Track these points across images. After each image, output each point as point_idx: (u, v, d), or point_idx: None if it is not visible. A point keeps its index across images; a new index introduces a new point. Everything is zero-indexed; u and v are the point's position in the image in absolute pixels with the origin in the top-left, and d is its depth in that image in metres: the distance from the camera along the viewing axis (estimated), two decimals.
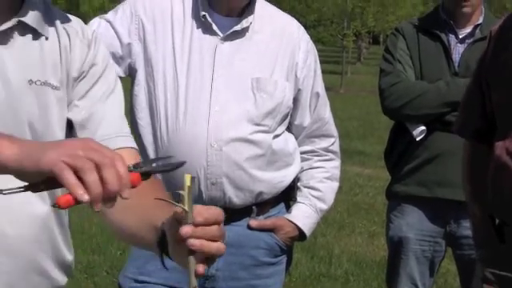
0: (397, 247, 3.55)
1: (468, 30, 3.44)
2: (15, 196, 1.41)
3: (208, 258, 1.32)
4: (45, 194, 1.64)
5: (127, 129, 1.80)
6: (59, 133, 1.68)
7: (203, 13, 2.47)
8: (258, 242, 2.58)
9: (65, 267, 1.76)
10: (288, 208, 2.72)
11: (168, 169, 1.35)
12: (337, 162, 2.80)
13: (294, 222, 2.66)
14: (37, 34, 1.67)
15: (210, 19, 2.47)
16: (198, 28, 2.49)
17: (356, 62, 47.85)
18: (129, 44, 2.47)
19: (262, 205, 2.59)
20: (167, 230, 1.40)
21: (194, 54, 2.47)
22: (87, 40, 1.75)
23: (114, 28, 2.47)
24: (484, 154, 2.44)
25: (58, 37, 1.71)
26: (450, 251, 3.57)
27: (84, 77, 1.74)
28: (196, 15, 2.49)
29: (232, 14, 2.50)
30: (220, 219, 1.33)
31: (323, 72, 2.80)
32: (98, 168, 1.22)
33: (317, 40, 36.77)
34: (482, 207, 2.47)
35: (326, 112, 2.74)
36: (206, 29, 2.48)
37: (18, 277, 1.63)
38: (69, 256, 1.77)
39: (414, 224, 3.48)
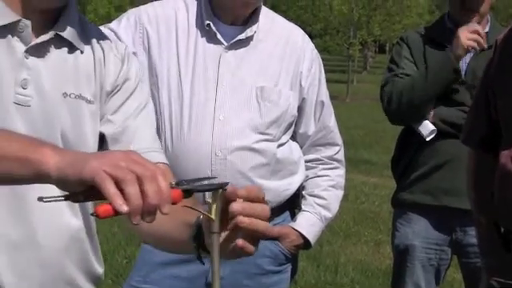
0: (403, 255, 3.55)
1: None
2: (49, 209, 1.45)
3: (253, 238, 1.33)
4: (77, 208, 1.67)
5: (159, 144, 1.81)
6: (92, 146, 1.69)
7: (207, 22, 2.47)
8: (262, 251, 2.58)
9: (94, 279, 1.77)
10: (293, 216, 2.72)
11: (211, 188, 1.33)
12: (341, 171, 2.80)
13: (299, 230, 2.66)
14: (72, 48, 1.69)
15: (214, 28, 2.47)
16: (202, 37, 2.49)
17: (362, 70, 47.86)
18: (133, 53, 2.48)
19: None
20: (205, 222, 1.39)
21: (199, 63, 2.47)
22: (121, 55, 1.77)
23: (118, 37, 2.46)
24: (489, 163, 2.44)
25: (93, 51, 1.73)
26: (456, 259, 3.56)
27: (118, 91, 1.75)
28: (200, 24, 2.49)
29: (236, 22, 2.51)
30: (261, 195, 1.33)
31: (329, 81, 2.80)
32: (140, 180, 1.22)
33: (323, 49, 36.78)
34: (488, 216, 2.47)
35: (331, 121, 2.74)
36: (211, 38, 2.49)
37: (48, 287, 1.65)
38: (99, 269, 1.78)
39: (420, 232, 3.48)
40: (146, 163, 1.26)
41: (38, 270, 1.62)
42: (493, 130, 2.44)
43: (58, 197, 1.26)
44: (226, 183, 1.33)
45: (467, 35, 3.27)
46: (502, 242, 2.39)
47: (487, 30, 3.44)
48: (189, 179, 1.34)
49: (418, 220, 3.49)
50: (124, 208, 1.20)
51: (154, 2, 2.58)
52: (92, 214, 1.23)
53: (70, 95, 1.65)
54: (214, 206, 1.29)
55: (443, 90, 3.35)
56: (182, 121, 2.44)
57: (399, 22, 36.48)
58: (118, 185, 1.21)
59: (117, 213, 1.20)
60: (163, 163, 1.75)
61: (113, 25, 2.52)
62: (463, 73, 3.39)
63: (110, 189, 1.20)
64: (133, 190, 1.21)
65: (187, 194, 1.30)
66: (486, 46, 3.25)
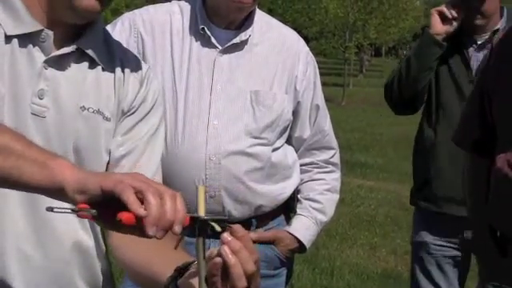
0: (417, 252, 3.61)
1: (486, 36, 3.41)
2: (62, 224, 1.54)
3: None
4: (88, 226, 1.68)
5: (160, 176, 1.81)
6: (104, 164, 1.70)
7: (202, 26, 2.46)
8: None
9: None
10: (288, 220, 2.72)
11: (219, 219, 1.32)
12: (337, 174, 2.80)
13: (294, 234, 2.65)
14: (94, 64, 1.68)
15: (208, 32, 2.46)
16: (196, 41, 2.48)
17: (358, 74, 47.83)
18: None
19: (262, 217, 2.59)
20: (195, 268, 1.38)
21: (193, 67, 2.46)
22: (140, 76, 1.76)
23: None
24: (484, 167, 2.44)
25: (114, 69, 1.72)
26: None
27: (132, 113, 1.74)
28: (195, 28, 2.48)
29: (231, 26, 2.50)
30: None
31: (325, 84, 2.80)
32: (161, 195, 1.24)
33: (319, 52, 36.79)
34: (483, 219, 2.46)
35: (326, 124, 2.73)
36: (205, 42, 2.48)
37: None
38: (108, 286, 1.79)
39: (432, 230, 3.53)
40: (164, 186, 1.29)
41: (47, 280, 1.63)
42: (487, 133, 2.43)
43: (67, 208, 1.27)
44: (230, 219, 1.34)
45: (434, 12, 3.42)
46: (498, 247, 2.39)
47: (499, 26, 3.40)
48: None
49: (430, 219, 3.53)
50: (143, 212, 1.22)
51: (149, 6, 2.57)
52: (116, 220, 1.24)
53: (88, 109, 1.65)
54: (202, 205, 1.30)
55: (429, 65, 3.40)
56: (176, 125, 2.43)
57: (395, 25, 36.51)
58: (139, 194, 1.23)
59: (137, 220, 1.22)
60: None
61: (108, 29, 2.50)
62: (474, 72, 3.38)
63: (130, 196, 1.22)
64: (153, 200, 1.23)
65: (193, 222, 1.30)
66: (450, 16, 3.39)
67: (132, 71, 1.75)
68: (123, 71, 1.73)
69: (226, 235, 1.28)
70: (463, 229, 3.34)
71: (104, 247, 1.76)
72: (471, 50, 3.42)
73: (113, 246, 1.66)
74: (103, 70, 1.69)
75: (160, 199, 1.24)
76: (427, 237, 3.53)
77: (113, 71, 1.71)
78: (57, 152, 1.51)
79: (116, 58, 1.74)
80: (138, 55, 1.98)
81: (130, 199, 1.22)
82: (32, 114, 1.58)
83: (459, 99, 3.37)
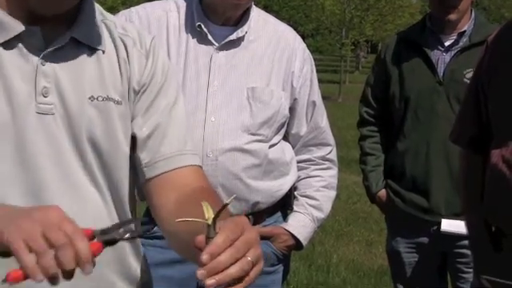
0: (390, 256, 3.65)
1: (453, 37, 3.40)
2: (91, 223, 1.44)
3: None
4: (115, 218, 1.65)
5: (190, 145, 1.73)
6: (125, 149, 1.63)
7: (198, 22, 2.47)
8: None
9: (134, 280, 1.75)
10: (285, 217, 2.72)
11: (134, 236, 1.29)
12: (334, 171, 2.80)
13: (290, 231, 2.66)
14: (92, 50, 1.61)
15: (205, 29, 2.47)
16: (193, 38, 2.48)
17: (354, 70, 47.77)
18: None
19: (259, 214, 2.59)
20: None
21: (190, 64, 2.46)
22: (145, 50, 1.70)
23: None
24: (479, 163, 2.45)
25: (116, 49, 1.65)
26: None
27: (145, 90, 1.67)
28: (191, 25, 2.48)
29: (228, 23, 2.50)
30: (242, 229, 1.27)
31: (321, 81, 2.80)
32: (56, 249, 1.19)
33: (315, 49, 36.78)
34: (478, 215, 2.48)
35: (323, 121, 2.74)
36: (202, 38, 2.48)
37: None
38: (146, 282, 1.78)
39: (402, 233, 3.55)
40: (64, 226, 1.21)
41: (84, 283, 1.62)
42: (482, 130, 2.44)
43: None
44: (149, 228, 1.30)
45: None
46: (492, 241, 2.40)
47: (466, 28, 3.40)
48: (113, 225, 1.31)
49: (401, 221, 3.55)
50: (40, 278, 1.18)
51: (145, 4, 2.57)
52: (3, 281, 1.19)
53: (97, 98, 1.58)
54: (210, 211, 1.25)
55: None
56: None
57: (391, 22, 36.47)
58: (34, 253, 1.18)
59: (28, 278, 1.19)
60: (194, 165, 1.70)
61: None
62: (441, 74, 3.37)
63: (25, 261, 1.18)
64: (46, 263, 1.18)
65: (110, 243, 1.27)
66: None
67: (135, 46, 1.68)
68: (126, 49, 1.66)
69: (204, 257, 1.21)
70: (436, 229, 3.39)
71: (139, 243, 1.74)
72: (437, 52, 3.40)
73: (161, 219, 1.62)
74: (104, 52, 1.63)
75: (56, 253, 1.18)
76: (399, 245, 3.55)
77: (114, 52, 1.65)
78: (71, 148, 1.52)
79: (116, 37, 1.66)
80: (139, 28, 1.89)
81: (26, 264, 1.17)
82: (39, 113, 1.53)
83: (428, 102, 3.37)
